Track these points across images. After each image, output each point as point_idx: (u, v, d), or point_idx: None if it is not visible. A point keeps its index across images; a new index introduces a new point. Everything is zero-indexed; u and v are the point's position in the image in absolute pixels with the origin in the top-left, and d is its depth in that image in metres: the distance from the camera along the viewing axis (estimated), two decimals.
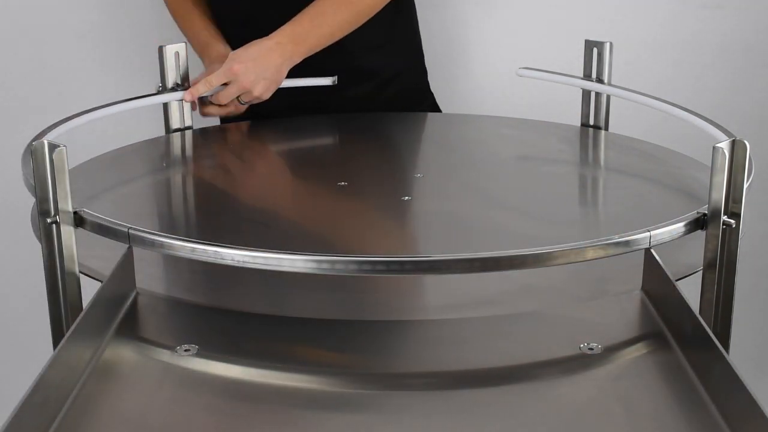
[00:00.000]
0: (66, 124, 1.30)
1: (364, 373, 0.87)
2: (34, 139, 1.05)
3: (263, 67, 1.41)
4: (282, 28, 1.43)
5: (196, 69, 1.54)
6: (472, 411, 0.80)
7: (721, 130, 1.26)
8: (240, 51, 1.42)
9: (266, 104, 1.48)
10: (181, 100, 1.46)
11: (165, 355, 0.88)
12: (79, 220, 0.97)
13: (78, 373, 0.83)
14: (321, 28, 1.44)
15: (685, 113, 1.36)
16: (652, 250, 0.96)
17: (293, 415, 0.80)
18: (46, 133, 1.23)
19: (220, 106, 1.45)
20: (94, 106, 1.42)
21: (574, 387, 0.84)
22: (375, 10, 1.48)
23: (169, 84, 1.46)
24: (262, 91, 1.43)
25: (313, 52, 1.46)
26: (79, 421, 0.77)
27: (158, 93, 1.47)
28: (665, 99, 1.41)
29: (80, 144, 1.33)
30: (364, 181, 1.32)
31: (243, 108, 1.47)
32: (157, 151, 1.46)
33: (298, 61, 1.45)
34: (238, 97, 1.44)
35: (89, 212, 0.98)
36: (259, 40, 1.43)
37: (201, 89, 1.43)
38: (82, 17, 1.83)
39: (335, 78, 1.55)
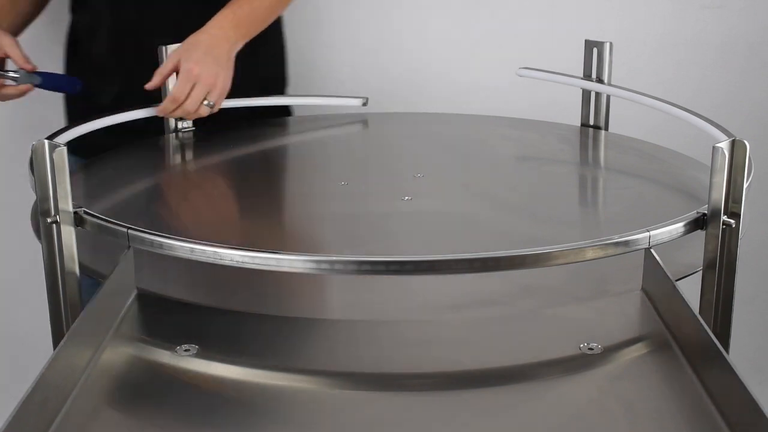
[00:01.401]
0: (74, 129, 1.30)
1: (363, 373, 0.87)
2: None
3: (218, 58, 1.36)
4: (221, 14, 1.38)
5: None
6: (472, 411, 0.80)
7: (720, 130, 1.26)
8: (189, 49, 1.36)
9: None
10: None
11: (165, 355, 0.88)
12: (79, 220, 0.97)
13: (78, 373, 0.83)
14: (258, 11, 1.40)
15: (685, 113, 1.36)
16: (652, 250, 0.96)
17: (293, 415, 0.80)
18: (54, 138, 1.23)
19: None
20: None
21: (574, 387, 0.84)
22: None
23: (170, 84, 1.46)
24: (224, 83, 1.38)
25: (251, 37, 1.41)
26: (79, 421, 0.77)
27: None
28: (665, 99, 1.41)
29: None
30: (364, 181, 1.32)
31: (211, 111, 1.39)
32: (157, 151, 1.47)
33: (241, 47, 1.40)
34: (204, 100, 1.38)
35: (89, 212, 0.98)
36: (200, 31, 1.37)
37: (170, 107, 1.37)
38: None
39: (366, 99, 1.56)
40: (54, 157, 0.92)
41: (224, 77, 1.38)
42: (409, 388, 0.85)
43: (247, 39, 1.41)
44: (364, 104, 1.56)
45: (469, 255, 0.91)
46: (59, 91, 1.53)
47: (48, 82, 1.46)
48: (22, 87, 1.42)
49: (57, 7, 1.60)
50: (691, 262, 1.01)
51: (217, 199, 1.28)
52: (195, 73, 1.34)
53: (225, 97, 1.40)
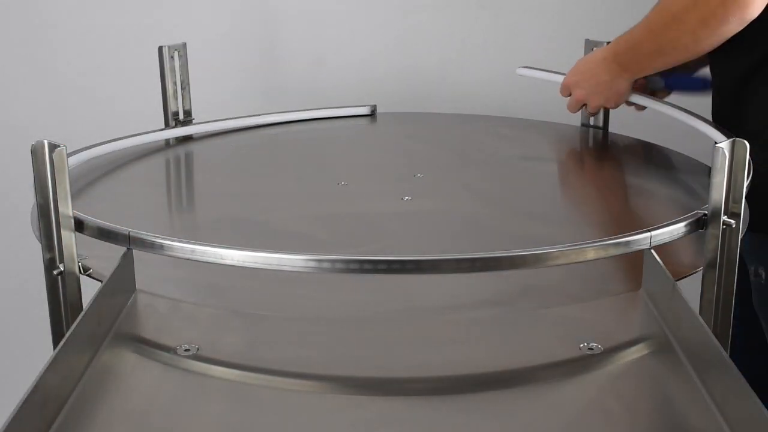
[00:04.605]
0: (84, 153, 1.31)
1: (363, 374, 0.87)
2: None
3: (592, 81, 1.42)
4: (616, 40, 1.40)
5: (195, 69, 1.54)
6: (472, 412, 0.80)
7: (719, 131, 1.26)
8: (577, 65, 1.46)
9: None
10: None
11: (165, 356, 0.88)
12: (78, 223, 0.97)
13: (78, 373, 0.83)
14: (648, 45, 1.33)
15: (685, 114, 1.36)
16: (653, 250, 0.96)
17: (293, 416, 0.80)
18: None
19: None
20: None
21: (574, 387, 0.84)
22: (708, 28, 1.21)
23: (169, 84, 1.46)
24: (598, 103, 1.44)
25: (644, 73, 1.38)
26: (79, 422, 0.77)
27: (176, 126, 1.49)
28: (664, 99, 1.41)
29: (80, 145, 1.34)
30: (364, 181, 1.32)
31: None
32: (156, 151, 1.47)
33: (634, 79, 1.39)
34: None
35: (89, 216, 0.98)
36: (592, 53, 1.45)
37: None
38: (81, 16, 1.83)
39: (374, 106, 1.56)
40: (54, 158, 0.92)
41: (597, 100, 1.44)
42: (409, 388, 0.85)
43: (640, 74, 1.39)
44: (372, 112, 1.57)
45: (469, 255, 0.91)
46: (687, 92, 1.47)
47: (674, 84, 1.47)
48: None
49: None
50: (692, 262, 1.01)
51: (217, 199, 1.28)
52: (566, 85, 1.47)
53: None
